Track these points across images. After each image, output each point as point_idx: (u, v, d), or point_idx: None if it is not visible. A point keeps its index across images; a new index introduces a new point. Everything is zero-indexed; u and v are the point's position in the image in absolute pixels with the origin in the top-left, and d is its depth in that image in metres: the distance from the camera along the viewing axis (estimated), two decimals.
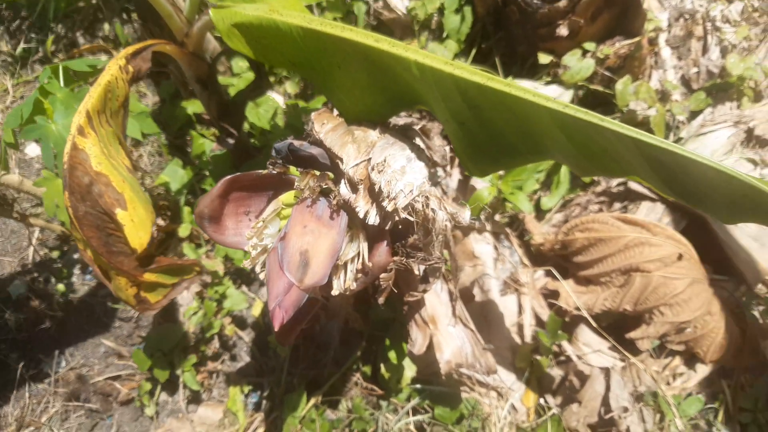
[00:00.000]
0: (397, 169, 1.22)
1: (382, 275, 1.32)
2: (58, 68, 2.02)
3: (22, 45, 3.28)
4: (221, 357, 2.44)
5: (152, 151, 2.90)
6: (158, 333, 2.34)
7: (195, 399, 2.38)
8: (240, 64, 2.68)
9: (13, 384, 2.49)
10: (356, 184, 1.21)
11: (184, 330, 2.36)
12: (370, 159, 1.24)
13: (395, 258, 1.32)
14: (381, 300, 1.39)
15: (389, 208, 1.18)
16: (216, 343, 2.45)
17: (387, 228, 1.26)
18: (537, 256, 2.29)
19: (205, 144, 2.51)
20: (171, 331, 2.32)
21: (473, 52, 2.52)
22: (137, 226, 1.65)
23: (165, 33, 2.30)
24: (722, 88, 2.37)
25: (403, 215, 1.19)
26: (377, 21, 2.66)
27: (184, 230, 2.41)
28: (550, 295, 2.20)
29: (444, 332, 1.75)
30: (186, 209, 2.45)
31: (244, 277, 2.56)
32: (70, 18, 3.44)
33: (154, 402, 2.36)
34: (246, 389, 2.33)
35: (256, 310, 2.46)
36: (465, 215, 1.31)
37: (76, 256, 2.74)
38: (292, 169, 1.33)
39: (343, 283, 1.27)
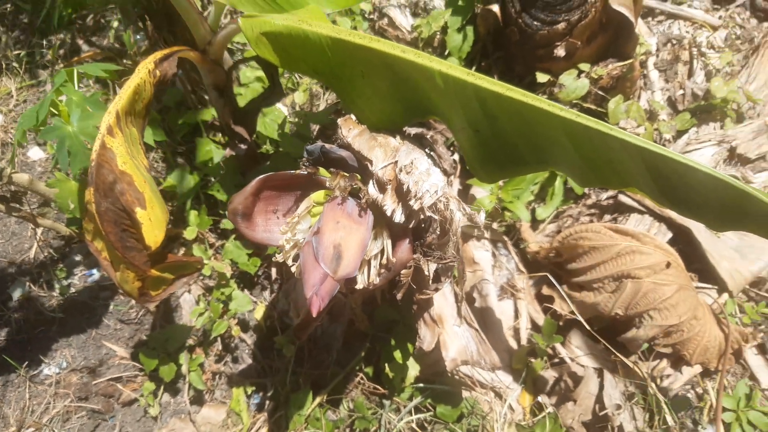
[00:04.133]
0: (423, 171, 1.32)
1: (403, 271, 1.41)
2: (73, 72, 2.09)
3: (26, 50, 3.33)
4: (224, 359, 2.49)
5: (156, 157, 2.96)
6: (163, 334, 2.39)
7: (198, 400, 2.42)
8: (248, 75, 2.77)
9: (14, 385, 2.51)
10: (384, 185, 1.31)
11: (189, 331, 2.42)
12: (397, 161, 1.34)
13: (415, 255, 1.41)
14: (399, 295, 1.48)
15: (416, 207, 1.28)
16: (218, 346, 2.50)
17: (410, 226, 1.35)
18: (532, 264, 2.40)
19: (213, 151, 2.58)
20: (178, 331, 2.37)
21: (473, 69, 2.65)
22: (154, 225, 1.72)
23: (178, 41, 2.39)
24: (706, 110, 2.53)
25: (429, 214, 1.29)
26: (382, 37, 2.77)
27: (190, 233, 2.48)
28: (545, 300, 2.30)
29: (450, 331, 1.84)
30: (192, 213, 2.51)
31: (246, 281, 2.62)
32: (73, 25, 3.50)
33: (157, 402, 2.40)
34: (249, 390, 2.38)
35: (258, 314, 2.53)
36: (480, 217, 1.41)
37: (77, 258, 2.78)
38: (322, 170, 1.42)
39: (367, 278, 1.36)
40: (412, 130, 1.74)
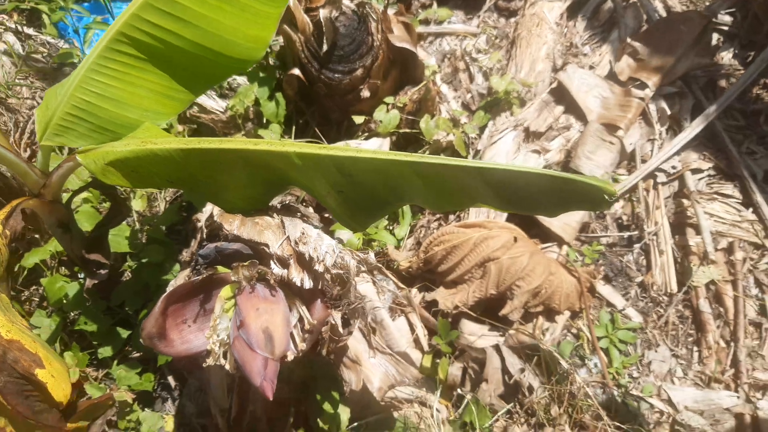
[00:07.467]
0: (315, 237, 1.48)
1: (323, 328, 1.55)
2: None
3: None
4: None
5: None
6: None
7: None
8: (74, 199, 2.69)
9: None
10: (286, 260, 1.44)
11: None
12: (288, 237, 1.48)
13: (329, 311, 1.56)
14: (325, 351, 1.62)
15: (321, 270, 1.43)
16: None
17: (319, 288, 1.50)
18: (407, 279, 2.65)
19: (65, 287, 2.48)
20: None
21: (294, 128, 2.85)
22: (58, 380, 1.68)
23: None
24: (494, 104, 2.98)
25: (334, 272, 1.45)
26: (197, 124, 2.87)
27: (72, 375, 2.35)
28: (431, 306, 2.56)
29: (368, 365, 2.01)
30: (67, 355, 2.39)
31: (145, 400, 2.55)
32: None
33: None
34: None
35: (169, 426, 2.48)
36: (371, 257, 1.60)
37: None
38: (219, 268, 1.51)
39: (297, 347, 1.48)
40: (277, 203, 1.89)
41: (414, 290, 2.63)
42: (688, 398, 2.35)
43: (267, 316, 1.37)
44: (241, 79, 2.86)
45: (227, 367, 1.44)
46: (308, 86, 2.71)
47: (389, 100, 2.73)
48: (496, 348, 2.39)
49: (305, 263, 1.45)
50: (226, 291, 1.49)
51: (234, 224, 1.54)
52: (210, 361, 1.44)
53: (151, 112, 1.80)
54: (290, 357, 1.47)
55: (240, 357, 1.36)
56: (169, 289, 1.71)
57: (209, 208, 2.32)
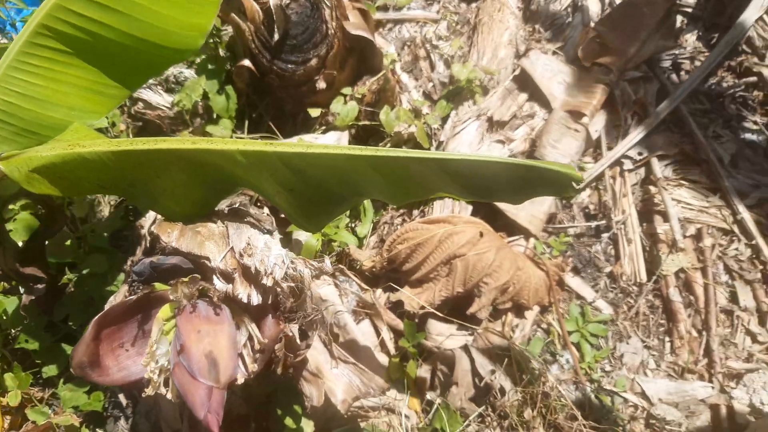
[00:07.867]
0: (262, 247, 1.34)
1: (276, 346, 1.42)
2: None
3: None
4: None
5: None
6: None
7: None
8: (9, 207, 2.49)
9: None
10: (230, 275, 1.30)
11: None
12: (232, 248, 1.34)
13: (281, 325, 1.43)
14: (279, 370, 1.49)
15: (269, 283, 1.30)
16: None
17: (269, 302, 1.37)
18: (371, 279, 2.53)
19: (4, 302, 2.29)
20: None
21: (246, 123, 2.68)
22: None
23: None
24: (456, 93, 2.86)
25: (284, 284, 1.32)
26: (142, 121, 2.69)
27: (13, 399, 2.18)
28: (395, 306, 2.45)
29: (330, 377, 1.88)
30: (7, 376, 2.21)
31: (95, 420, 2.39)
32: None
33: None
34: None
35: None
36: (327, 265, 1.47)
37: None
38: (157, 285, 1.36)
39: (247, 369, 1.35)
40: (225, 206, 1.74)
41: (378, 291, 2.51)
42: (662, 390, 2.30)
43: (210, 339, 1.23)
44: (189, 72, 2.68)
45: (169, 396, 1.30)
46: (260, 78, 2.55)
47: (347, 91, 2.59)
48: (465, 349, 2.29)
49: (251, 277, 1.31)
50: (164, 311, 1.34)
51: (172, 235, 1.39)
52: (149, 391, 1.29)
53: (80, 111, 1.63)
54: (240, 380, 1.34)
55: (181, 386, 1.22)
56: (107, 307, 1.56)
57: (153, 213, 2.16)
